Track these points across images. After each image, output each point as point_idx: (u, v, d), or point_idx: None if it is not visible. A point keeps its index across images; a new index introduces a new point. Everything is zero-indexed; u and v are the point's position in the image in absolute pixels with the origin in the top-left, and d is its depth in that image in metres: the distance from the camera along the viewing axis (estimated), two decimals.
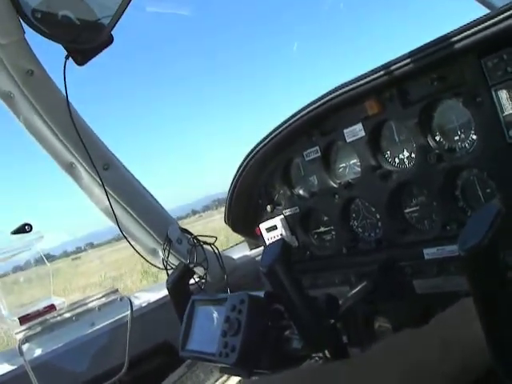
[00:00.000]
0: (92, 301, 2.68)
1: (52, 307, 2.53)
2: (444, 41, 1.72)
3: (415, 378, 1.20)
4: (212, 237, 2.75)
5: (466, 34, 1.66)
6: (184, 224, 2.79)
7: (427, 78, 1.86)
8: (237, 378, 2.41)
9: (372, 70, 1.96)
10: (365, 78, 1.99)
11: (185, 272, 2.28)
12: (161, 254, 2.64)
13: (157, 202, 2.65)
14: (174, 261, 2.63)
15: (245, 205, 2.83)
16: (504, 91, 1.66)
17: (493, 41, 1.63)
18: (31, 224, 2.42)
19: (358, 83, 2.01)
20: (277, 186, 2.71)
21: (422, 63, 1.81)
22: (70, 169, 2.38)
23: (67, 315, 2.57)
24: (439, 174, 1.91)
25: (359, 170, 2.24)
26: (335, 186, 2.35)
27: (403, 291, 2.07)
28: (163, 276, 2.57)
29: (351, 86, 2.04)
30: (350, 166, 2.30)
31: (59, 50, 2.02)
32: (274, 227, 2.68)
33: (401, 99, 1.97)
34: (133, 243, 2.64)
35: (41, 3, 1.94)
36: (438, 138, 1.94)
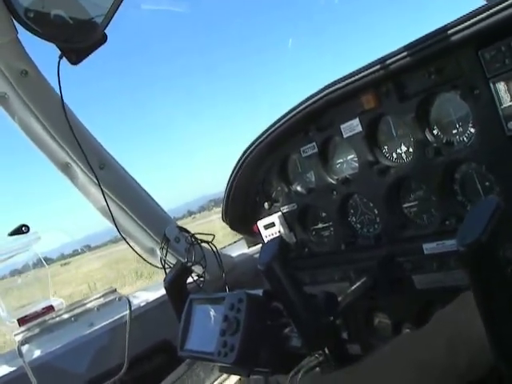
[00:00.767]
0: (91, 301, 2.67)
1: (51, 308, 2.53)
2: (441, 33, 1.70)
3: (422, 379, 1.19)
4: (210, 235, 2.73)
5: (462, 26, 1.64)
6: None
7: (424, 72, 1.84)
8: (237, 377, 2.40)
9: (368, 65, 1.95)
10: (361, 72, 1.97)
11: (182, 271, 2.27)
12: (159, 253, 2.62)
13: (154, 200, 2.64)
14: (172, 260, 2.63)
15: (242, 202, 2.81)
16: (502, 83, 1.64)
17: (490, 32, 1.61)
18: (28, 225, 2.41)
19: (354, 78, 1.99)
20: (274, 183, 2.69)
21: (418, 56, 1.79)
22: (65, 169, 2.37)
23: (66, 316, 2.57)
24: (437, 168, 1.89)
25: (357, 165, 2.22)
26: (333, 181, 2.33)
27: (403, 287, 2.05)
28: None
29: (347, 81, 2.02)
30: (347, 162, 2.29)
31: (53, 50, 2.01)
32: (272, 224, 2.66)
33: (397, 93, 1.95)
34: (131, 243, 2.63)
35: (33, 2, 1.92)
36: (435, 132, 1.92)
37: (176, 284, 2.24)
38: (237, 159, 2.63)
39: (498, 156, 1.71)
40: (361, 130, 2.12)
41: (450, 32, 1.67)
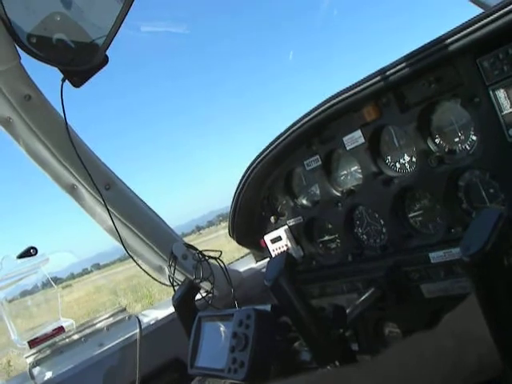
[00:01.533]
0: (100, 321, 2.67)
1: (61, 329, 2.52)
2: (439, 43, 1.71)
3: (430, 380, 1.18)
4: (217, 251, 2.74)
5: (460, 34, 1.65)
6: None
7: (424, 81, 1.85)
8: None
9: (368, 76, 1.96)
10: (361, 84, 1.98)
11: (190, 288, 2.28)
12: (167, 270, 2.62)
13: (160, 218, 2.64)
14: (180, 277, 2.62)
15: (248, 217, 2.83)
16: (502, 90, 1.65)
17: (488, 40, 1.62)
18: (36, 247, 2.42)
19: (355, 90, 2.01)
20: (279, 197, 2.70)
21: (418, 66, 1.80)
22: (71, 190, 2.38)
23: (76, 337, 2.56)
24: (441, 177, 1.90)
25: (361, 176, 2.23)
26: (337, 194, 2.34)
27: (411, 296, 2.05)
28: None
29: (348, 94, 2.04)
30: (351, 174, 2.30)
31: (56, 73, 2.03)
32: (279, 238, 2.67)
33: (398, 104, 1.96)
34: (138, 261, 2.64)
35: (35, 28, 1.95)
36: (437, 141, 1.93)
37: (185, 301, 2.24)
38: (241, 175, 2.64)
39: (500, 163, 1.72)
40: (363, 141, 2.13)
41: (448, 41, 1.69)
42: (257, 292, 2.75)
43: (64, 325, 2.54)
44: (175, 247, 2.60)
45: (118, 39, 1.94)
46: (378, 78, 1.92)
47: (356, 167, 2.26)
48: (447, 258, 1.90)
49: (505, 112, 1.66)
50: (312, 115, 2.19)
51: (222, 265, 2.72)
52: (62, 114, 2.13)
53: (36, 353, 2.44)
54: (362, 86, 1.98)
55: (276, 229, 2.69)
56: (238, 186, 2.68)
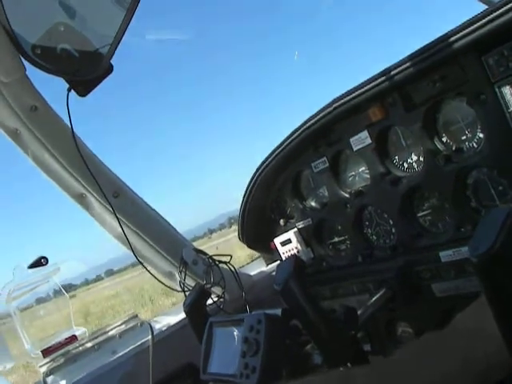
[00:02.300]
0: (112, 328, 2.67)
1: (73, 338, 2.53)
2: (443, 41, 1.71)
3: (440, 380, 1.18)
4: (227, 255, 2.74)
5: (465, 32, 1.65)
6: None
7: (429, 80, 1.85)
8: None
9: (373, 77, 1.96)
10: (366, 85, 1.98)
11: (201, 294, 2.28)
12: (177, 276, 2.63)
13: (169, 224, 2.65)
14: (191, 282, 2.62)
15: (258, 220, 2.83)
16: (507, 87, 1.64)
17: (492, 37, 1.61)
18: (47, 257, 2.43)
19: (360, 91, 2.00)
20: (288, 200, 2.70)
21: (422, 65, 1.80)
22: (80, 199, 2.39)
23: (89, 345, 2.57)
24: (449, 176, 1.89)
25: (368, 177, 2.22)
26: (346, 195, 2.34)
27: (423, 296, 2.05)
28: None
29: (353, 95, 2.03)
30: (359, 174, 2.29)
31: (62, 83, 2.04)
32: (289, 241, 2.67)
33: (404, 103, 1.96)
34: (149, 268, 2.64)
35: (40, 39, 1.96)
36: (444, 140, 1.92)
37: (196, 307, 2.24)
38: (249, 178, 2.64)
39: (508, 160, 1.70)
40: (370, 142, 2.12)
41: (452, 39, 1.68)
42: (268, 295, 2.74)
43: (77, 333, 2.55)
44: (185, 253, 2.60)
45: (122, 47, 1.95)
46: (382, 78, 1.92)
47: (363, 168, 2.25)
48: (457, 256, 1.89)
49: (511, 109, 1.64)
50: (318, 117, 2.19)
51: (232, 269, 2.72)
52: (69, 124, 2.14)
53: (49, 362, 2.45)
54: (367, 87, 1.98)
55: (285, 231, 2.69)
56: (247, 189, 2.68)
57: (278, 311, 1.85)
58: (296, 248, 2.65)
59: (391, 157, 2.13)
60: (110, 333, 2.65)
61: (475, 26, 1.62)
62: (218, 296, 2.67)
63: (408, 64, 1.82)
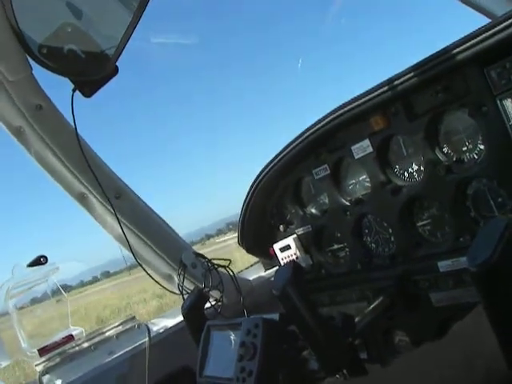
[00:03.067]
0: (110, 329, 2.67)
1: (70, 337, 2.53)
2: (447, 52, 1.72)
3: None
4: (226, 260, 2.74)
5: (468, 44, 1.66)
6: None
7: (431, 91, 1.86)
8: None
9: (376, 86, 1.97)
10: (369, 93, 1.99)
11: (199, 297, 2.28)
12: (176, 279, 2.63)
13: (170, 227, 2.65)
14: (189, 285, 2.63)
15: (257, 226, 2.83)
16: (509, 100, 1.66)
17: (495, 50, 1.63)
18: (46, 256, 2.44)
19: (363, 99, 2.02)
20: (288, 206, 2.71)
21: (425, 76, 1.81)
22: (82, 199, 2.40)
23: (85, 345, 2.56)
24: (449, 186, 1.90)
25: (369, 185, 2.23)
26: (346, 202, 2.34)
27: (420, 305, 2.05)
28: None
29: (356, 103, 2.04)
30: (359, 183, 2.30)
31: (67, 83, 2.06)
32: (288, 247, 2.67)
33: (406, 113, 1.97)
34: (148, 270, 2.64)
35: (46, 39, 1.98)
36: (445, 150, 1.93)
37: (194, 310, 2.24)
38: (250, 183, 2.65)
39: (508, 172, 1.72)
40: (372, 150, 2.13)
41: (455, 51, 1.69)
42: (266, 300, 2.75)
43: (73, 333, 2.55)
44: (185, 256, 2.61)
45: (128, 50, 1.96)
46: (386, 88, 1.93)
47: (364, 176, 2.26)
48: (456, 266, 1.90)
49: None
50: (321, 124, 2.20)
51: (231, 273, 2.73)
52: (73, 124, 2.15)
53: (46, 361, 2.45)
54: (370, 96, 1.99)
55: (285, 237, 2.70)
56: (248, 194, 2.69)
57: (276, 316, 1.85)
58: (295, 254, 2.65)
59: (392, 166, 2.14)
60: (107, 333, 2.64)
61: (479, 38, 1.63)
62: (216, 300, 2.68)
63: (411, 74, 1.84)
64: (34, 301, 2.99)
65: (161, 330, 2.70)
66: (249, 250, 2.98)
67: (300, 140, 2.31)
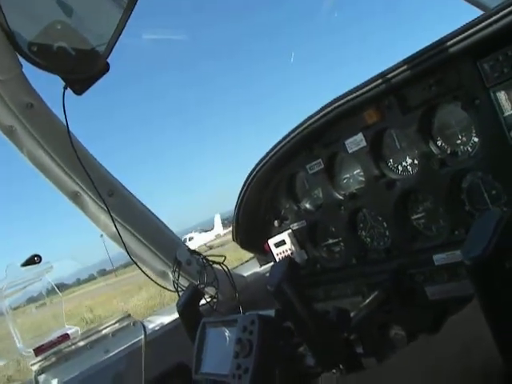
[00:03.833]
0: (105, 327, 2.66)
1: (66, 336, 2.52)
2: (439, 45, 1.72)
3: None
4: (221, 256, 2.74)
5: (460, 37, 1.66)
6: None
7: (425, 84, 1.86)
8: None
9: (369, 79, 1.97)
10: (363, 87, 1.99)
11: (194, 294, 2.27)
12: (171, 276, 2.62)
13: (164, 224, 2.65)
14: (184, 282, 2.62)
15: (252, 221, 2.83)
16: (502, 92, 1.65)
17: (488, 42, 1.62)
18: (40, 255, 2.42)
19: (356, 93, 2.01)
20: (282, 201, 2.71)
21: (418, 69, 1.81)
22: (75, 198, 2.38)
23: (81, 344, 2.56)
24: (443, 179, 1.89)
25: (363, 179, 2.23)
26: (340, 197, 2.34)
27: (416, 298, 2.05)
28: None
29: (349, 97, 2.04)
30: (353, 177, 2.30)
31: (58, 80, 2.04)
32: (283, 242, 2.67)
33: (400, 106, 1.97)
34: (143, 267, 2.63)
35: (36, 36, 1.96)
36: (439, 143, 1.93)
37: (189, 307, 2.24)
38: (244, 179, 2.64)
39: (502, 164, 1.71)
40: (365, 144, 2.13)
41: (448, 44, 1.69)
42: (262, 296, 2.74)
43: (69, 332, 2.54)
44: (179, 253, 2.60)
45: (119, 47, 1.95)
46: (379, 81, 1.92)
47: (358, 170, 2.26)
48: (451, 259, 1.90)
49: (506, 114, 1.66)
50: (314, 119, 2.19)
51: (226, 269, 2.72)
52: (65, 122, 2.14)
53: (41, 360, 2.44)
54: (363, 89, 1.98)
55: (280, 233, 2.69)
56: (242, 190, 2.68)
57: (272, 312, 1.85)
58: (290, 249, 2.65)
59: (386, 160, 2.14)
60: (103, 332, 2.63)
61: (471, 31, 1.63)
62: (211, 296, 2.67)
63: (404, 67, 1.83)
64: (30, 300, 2.98)
65: (156, 328, 2.70)
66: (243, 246, 2.97)
67: (293, 135, 2.30)
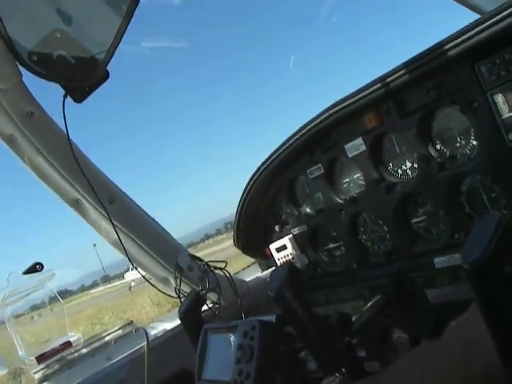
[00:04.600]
0: (108, 334, 2.67)
1: (68, 344, 2.52)
2: (437, 49, 1.73)
3: None
4: (222, 261, 2.74)
5: (458, 41, 1.66)
6: None
7: (423, 88, 1.86)
8: None
9: (368, 84, 1.97)
10: (361, 92, 2.00)
11: (196, 300, 2.28)
12: (173, 282, 2.63)
13: (164, 230, 2.65)
14: (186, 288, 2.62)
15: (253, 226, 2.83)
16: (500, 95, 1.66)
17: (485, 46, 1.63)
18: (42, 263, 2.43)
19: (355, 98, 2.02)
20: (283, 206, 2.71)
21: (416, 73, 1.81)
22: (76, 205, 2.39)
23: (84, 351, 2.56)
24: (443, 183, 1.90)
25: (363, 184, 2.23)
26: (341, 201, 2.34)
27: (417, 302, 2.05)
28: None
29: (348, 102, 2.05)
30: (353, 181, 2.30)
31: (58, 89, 2.04)
32: (284, 247, 2.67)
33: (398, 110, 1.97)
34: (144, 274, 2.64)
35: (36, 45, 1.96)
36: (438, 147, 1.93)
37: (191, 313, 2.24)
38: (245, 184, 2.65)
39: (501, 167, 1.72)
40: (365, 148, 2.13)
41: (445, 48, 1.69)
42: (263, 301, 2.73)
43: (71, 339, 2.54)
44: (181, 259, 2.60)
45: (119, 54, 1.96)
46: (378, 86, 1.93)
47: (358, 174, 2.26)
48: (451, 263, 1.90)
49: (504, 116, 1.66)
50: (313, 124, 2.20)
51: (227, 275, 2.72)
52: (65, 130, 2.14)
53: (44, 368, 2.44)
54: (362, 94, 1.99)
55: (281, 237, 2.70)
56: (242, 195, 2.69)
57: (273, 317, 1.85)
58: (291, 254, 2.65)
59: (385, 163, 2.14)
60: (105, 339, 2.64)
61: (468, 34, 1.64)
62: (213, 302, 2.67)
63: (403, 71, 1.84)
64: (34, 308, 2.98)
65: (159, 334, 2.70)
66: (245, 251, 2.98)
67: (293, 140, 2.31)
